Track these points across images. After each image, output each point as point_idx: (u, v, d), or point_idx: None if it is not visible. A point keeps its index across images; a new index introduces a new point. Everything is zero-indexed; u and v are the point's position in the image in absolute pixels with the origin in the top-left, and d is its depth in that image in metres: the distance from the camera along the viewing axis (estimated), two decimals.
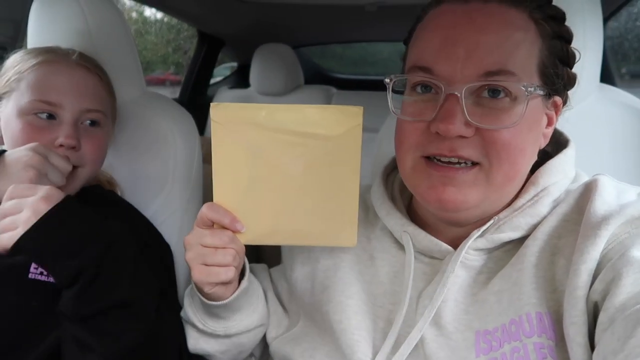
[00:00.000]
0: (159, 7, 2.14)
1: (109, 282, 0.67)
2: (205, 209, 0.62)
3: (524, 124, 0.56)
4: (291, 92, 2.46)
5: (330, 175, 0.61)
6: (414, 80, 0.60)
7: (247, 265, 0.70)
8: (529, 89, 0.55)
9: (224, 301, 0.67)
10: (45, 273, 0.75)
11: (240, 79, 2.90)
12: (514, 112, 0.55)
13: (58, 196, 0.66)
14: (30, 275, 0.75)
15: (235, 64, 3.10)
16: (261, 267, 0.84)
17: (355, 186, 0.61)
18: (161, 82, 4.18)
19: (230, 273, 0.63)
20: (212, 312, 0.69)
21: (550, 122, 0.62)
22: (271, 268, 0.84)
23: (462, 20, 0.56)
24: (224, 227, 0.63)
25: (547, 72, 0.58)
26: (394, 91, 0.63)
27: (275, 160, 0.60)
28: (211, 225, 0.63)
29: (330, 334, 0.66)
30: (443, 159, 0.58)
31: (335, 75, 3.24)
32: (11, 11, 1.22)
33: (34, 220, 0.64)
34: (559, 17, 0.60)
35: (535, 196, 0.61)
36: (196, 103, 2.61)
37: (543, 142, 0.63)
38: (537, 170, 0.63)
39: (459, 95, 0.55)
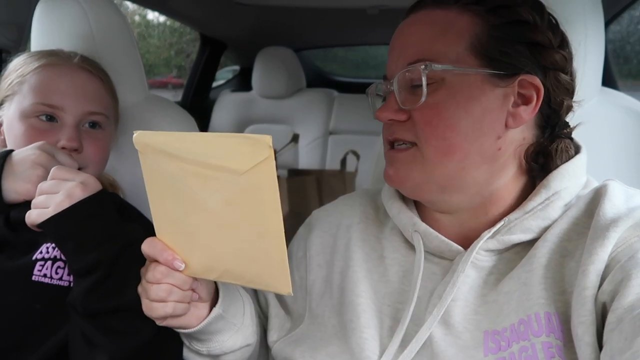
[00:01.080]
0: (161, 11, 2.15)
1: (120, 283, 0.67)
2: (143, 245, 0.60)
3: (448, 102, 0.61)
4: (293, 95, 2.46)
5: (250, 216, 0.53)
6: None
7: (221, 292, 0.67)
8: (434, 66, 0.61)
9: (190, 330, 0.65)
10: (48, 275, 0.76)
11: (242, 82, 2.91)
12: (424, 90, 0.61)
13: (95, 186, 0.69)
14: (34, 278, 0.75)
15: (237, 67, 3.11)
16: None
17: (279, 230, 0.52)
18: (163, 85, 4.19)
19: (168, 309, 0.60)
20: (188, 334, 0.67)
21: (527, 101, 0.62)
22: None
23: (399, 31, 0.67)
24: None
25: (491, 53, 0.61)
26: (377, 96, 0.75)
27: (195, 195, 0.55)
28: (153, 260, 0.61)
29: (343, 334, 0.66)
30: (394, 144, 0.67)
31: (337, 78, 3.25)
32: (15, 14, 1.23)
33: (66, 205, 0.65)
34: (509, 3, 0.63)
35: (546, 199, 0.62)
36: (198, 106, 2.62)
37: (513, 122, 0.62)
38: (550, 174, 0.63)
39: (391, 88, 0.64)
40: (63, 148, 0.77)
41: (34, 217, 0.66)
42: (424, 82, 0.61)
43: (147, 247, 0.60)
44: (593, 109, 0.83)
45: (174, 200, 0.57)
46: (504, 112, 0.62)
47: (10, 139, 0.80)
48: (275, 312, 0.77)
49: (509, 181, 0.64)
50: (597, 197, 0.61)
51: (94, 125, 0.83)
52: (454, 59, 0.61)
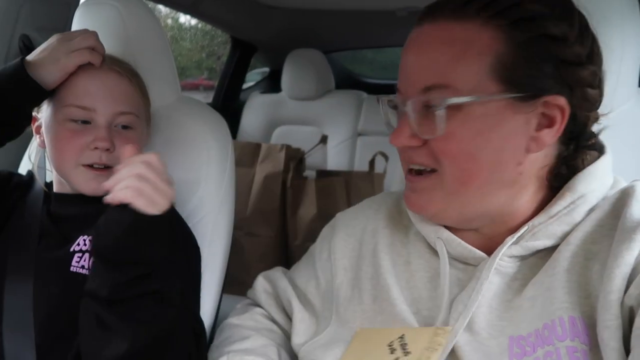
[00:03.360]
0: (193, 14, 2.19)
1: (149, 273, 0.68)
2: None
3: (466, 131, 0.58)
4: (322, 97, 2.47)
5: None
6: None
7: None
8: (451, 100, 0.57)
9: None
10: (86, 267, 0.78)
11: (271, 84, 2.94)
12: (442, 122, 0.58)
13: (172, 201, 0.69)
14: (72, 269, 0.78)
15: (265, 69, 3.14)
16: (285, 283, 0.83)
17: None
18: (195, 87, 4.27)
19: None
20: None
21: (551, 123, 0.59)
22: (295, 273, 0.84)
23: (411, 43, 0.63)
24: None
25: (515, 76, 0.57)
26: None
27: None
28: None
29: None
30: (412, 167, 0.65)
31: (366, 80, 3.24)
32: (55, 20, 1.28)
33: (149, 211, 0.65)
34: (538, 16, 0.57)
35: (571, 203, 0.60)
36: (229, 107, 2.65)
37: (536, 146, 0.59)
38: (575, 177, 0.61)
39: (406, 110, 0.61)
40: (96, 148, 0.80)
41: (110, 196, 0.65)
42: (442, 115, 0.57)
43: None
44: (630, 111, 0.81)
45: None
46: (526, 137, 0.59)
47: (48, 141, 0.84)
48: (300, 316, 0.76)
49: (530, 197, 0.63)
50: (624, 198, 0.59)
51: (125, 125, 0.85)
52: (475, 84, 0.57)
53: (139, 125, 0.88)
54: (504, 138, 0.59)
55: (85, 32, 0.84)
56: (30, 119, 0.84)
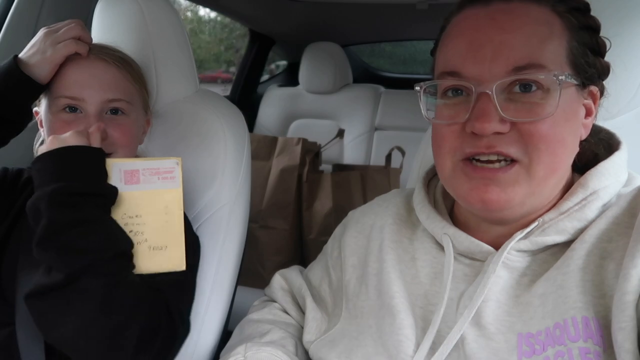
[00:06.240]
0: (212, 7, 2.20)
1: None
2: None
3: (560, 115, 0.56)
4: (339, 91, 2.47)
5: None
6: (444, 85, 0.61)
7: None
8: (560, 77, 0.55)
9: None
10: None
11: (289, 77, 2.94)
12: (548, 103, 0.56)
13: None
14: None
15: (279, 63, 3.14)
16: (300, 282, 0.84)
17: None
18: (213, 80, 4.28)
19: None
20: None
21: (589, 113, 0.61)
22: (311, 271, 0.85)
23: (486, 22, 0.58)
24: None
25: (578, 62, 0.58)
26: (428, 94, 0.64)
27: None
28: None
29: (379, 336, 0.66)
30: (482, 158, 0.58)
31: (384, 74, 3.22)
32: (76, 12, 1.29)
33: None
34: (583, 8, 0.60)
35: (583, 200, 0.59)
36: (246, 100, 2.66)
37: (584, 133, 0.61)
38: (588, 172, 0.60)
39: (490, 92, 0.56)
40: None
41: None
42: (559, 94, 0.55)
43: None
44: None
45: None
46: (581, 124, 0.61)
47: (45, 132, 0.86)
48: (312, 315, 0.77)
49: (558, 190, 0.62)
50: None
51: (116, 111, 0.86)
52: (558, 66, 0.57)
53: (132, 111, 0.88)
54: (577, 123, 0.60)
55: (70, 22, 0.85)
56: (30, 115, 0.86)
